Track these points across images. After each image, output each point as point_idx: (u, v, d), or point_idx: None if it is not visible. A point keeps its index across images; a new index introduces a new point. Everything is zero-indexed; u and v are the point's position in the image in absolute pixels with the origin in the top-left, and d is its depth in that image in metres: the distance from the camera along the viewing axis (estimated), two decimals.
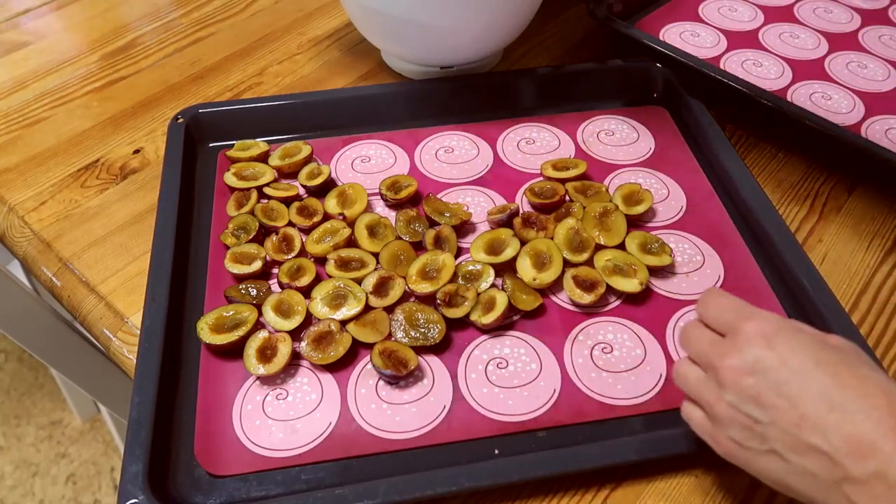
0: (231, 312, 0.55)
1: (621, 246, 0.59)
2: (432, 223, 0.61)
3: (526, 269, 0.57)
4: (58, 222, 0.65)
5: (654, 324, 0.55)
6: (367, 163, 0.68)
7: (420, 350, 0.53)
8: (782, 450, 0.35)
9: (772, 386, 0.35)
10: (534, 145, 0.70)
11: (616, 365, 0.53)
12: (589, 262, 0.58)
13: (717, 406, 0.38)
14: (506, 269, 0.58)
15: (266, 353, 0.52)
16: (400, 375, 0.51)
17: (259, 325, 0.54)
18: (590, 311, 0.56)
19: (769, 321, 0.38)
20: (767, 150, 0.71)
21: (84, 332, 0.76)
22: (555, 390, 0.51)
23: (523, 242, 0.59)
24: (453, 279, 0.57)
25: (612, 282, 0.56)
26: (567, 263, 0.58)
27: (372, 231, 0.61)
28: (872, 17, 0.86)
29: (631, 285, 0.56)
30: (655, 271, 0.58)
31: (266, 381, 0.52)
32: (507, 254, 0.58)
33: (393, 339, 0.54)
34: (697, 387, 0.40)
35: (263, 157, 0.67)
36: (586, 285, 0.56)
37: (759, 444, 0.37)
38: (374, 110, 0.72)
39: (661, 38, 0.81)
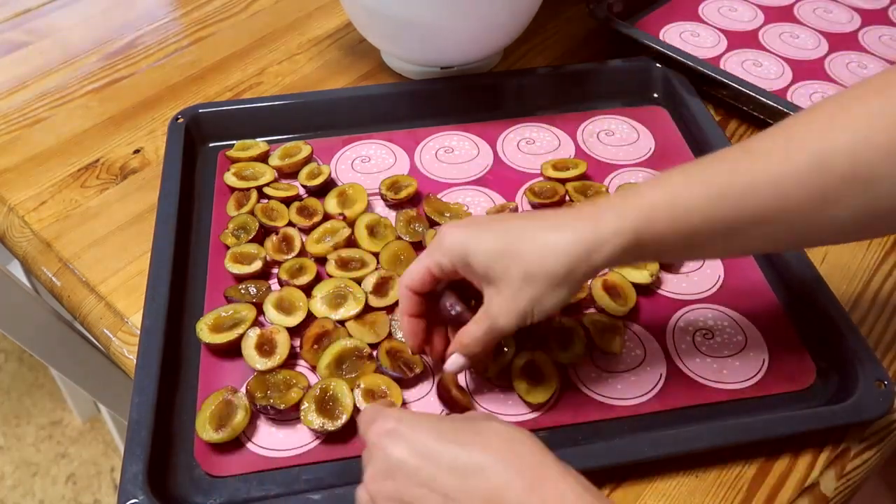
0: (230, 312, 0.54)
1: None
2: (432, 223, 0.61)
3: None
4: (58, 222, 0.65)
5: (654, 324, 0.55)
6: (367, 163, 0.68)
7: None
8: None
9: (408, 480, 0.37)
10: (534, 145, 0.70)
11: (616, 365, 0.53)
12: None
13: None
14: None
15: (265, 349, 0.52)
16: (406, 378, 0.51)
17: (257, 324, 0.54)
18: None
19: (388, 417, 0.39)
20: None
21: (84, 332, 0.76)
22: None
23: None
24: None
25: (622, 272, 0.57)
26: None
27: (372, 231, 0.61)
28: (872, 17, 0.86)
29: (641, 276, 0.56)
30: (661, 268, 0.58)
31: None
32: None
33: (393, 339, 0.54)
34: None
35: (263, 157, 0.67)
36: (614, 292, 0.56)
37: None
38: (374, 110, 0.72)
39: (661, 38, 0.81)
